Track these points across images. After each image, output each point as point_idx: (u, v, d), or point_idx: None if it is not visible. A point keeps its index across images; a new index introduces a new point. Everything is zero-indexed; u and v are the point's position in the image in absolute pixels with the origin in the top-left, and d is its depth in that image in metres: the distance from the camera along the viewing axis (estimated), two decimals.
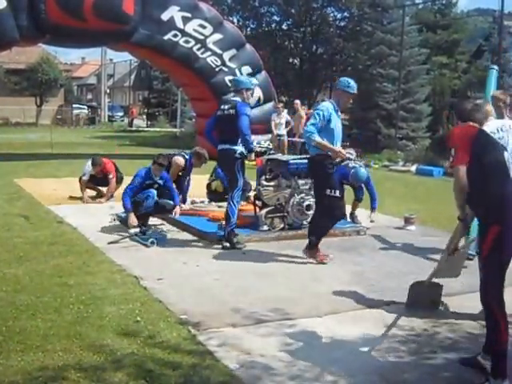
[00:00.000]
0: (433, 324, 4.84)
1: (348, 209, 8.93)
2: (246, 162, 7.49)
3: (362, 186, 8.69)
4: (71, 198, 10.31)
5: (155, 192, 8.08)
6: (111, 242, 7.26)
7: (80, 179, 10.24)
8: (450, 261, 4.98)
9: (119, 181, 10.31)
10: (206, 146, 18.95)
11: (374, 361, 4.10)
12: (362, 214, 8.87)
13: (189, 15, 16.92)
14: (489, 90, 7.40)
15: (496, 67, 8.19)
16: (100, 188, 10.47)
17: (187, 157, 9.35)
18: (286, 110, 18.31)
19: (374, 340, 4.45)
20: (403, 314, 5.04)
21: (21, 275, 5.73)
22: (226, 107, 7.45)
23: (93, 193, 10.49)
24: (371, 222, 8.54)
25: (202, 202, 9.56)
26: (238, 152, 7.21)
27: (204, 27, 17.17)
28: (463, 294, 5.50)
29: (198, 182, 9.84)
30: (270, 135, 17.74)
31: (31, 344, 4.11)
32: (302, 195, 7.98)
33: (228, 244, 7.20)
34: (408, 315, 5.01)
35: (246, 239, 7.43)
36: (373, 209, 8.70)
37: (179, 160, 9.24)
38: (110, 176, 10.19)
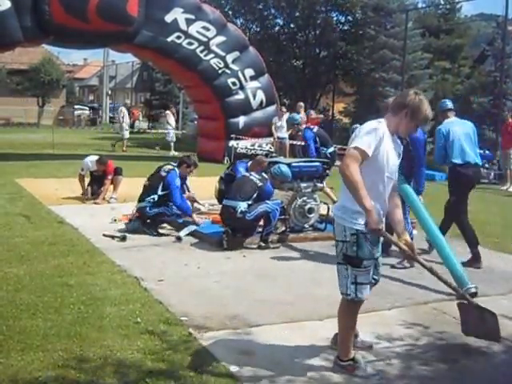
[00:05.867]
0: (433, 330, 4.83)
1: None
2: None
3: None
4: (72, 198, 10.31)
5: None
6: (106, 235, 7.53)
7: (79, 175, 10.46)
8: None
9: (119, 172, 10.51)
10: (207, 148, 18.87)
11: (373, 365, 4.08)
12: None
13: (192, 17, 16.94)
14: None
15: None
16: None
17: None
18: (287, 113, 18.27)
19: (374, 344, 4.43)
20: (403, 319, 5.03)
21: (21, 275, 5.73)
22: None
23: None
24: None
25: (203, 204, 9.54)
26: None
27: (207, 29, 17.18)
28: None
29: (198, 184, 9.84)
30: (271, 138, 17.73)
31: (31, 343, 4.10)
32: (304, 198, 7.98)
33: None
34: (408, 320, 5.00)
35: (248, 241, 7.44)
36: None
37: None
38: (109, 177, 10.35)
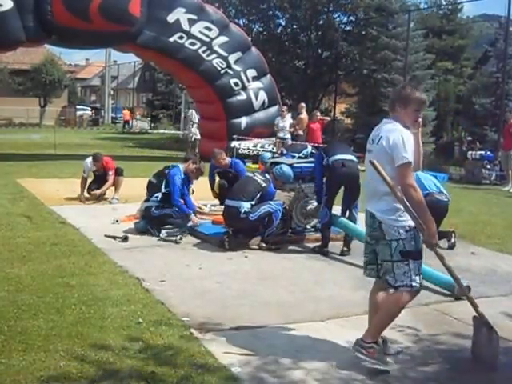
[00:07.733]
0: (434, 331, 4.82)
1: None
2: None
3: None
4: (74, 198, 10.31)
5: (192, 213, 8.24)
6: (108, 236, 7.51)
7: (82, 178, 10.45)
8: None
9: (120, 173, 10.53)
10: (209, 149, 18.95)
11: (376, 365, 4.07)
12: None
13: (195, 17, 16.95)
14: None
15: None
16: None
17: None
18: (290, 114, 18.26)
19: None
20: (405, 320, 5.01)
21: (23, 275, 5.72)
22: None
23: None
24: None
25: (205, 205, 9.53)
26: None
27: (210, 29, 17.20)
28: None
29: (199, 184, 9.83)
30: (273, 138, 17.72)
31: (33, 344, 4.10)
32: (306, 199, 7.96)
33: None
34: (410, 321, 4.99)
35: (250, 242, 7.42)
36: None
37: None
38: (110, 173, 10.38)
